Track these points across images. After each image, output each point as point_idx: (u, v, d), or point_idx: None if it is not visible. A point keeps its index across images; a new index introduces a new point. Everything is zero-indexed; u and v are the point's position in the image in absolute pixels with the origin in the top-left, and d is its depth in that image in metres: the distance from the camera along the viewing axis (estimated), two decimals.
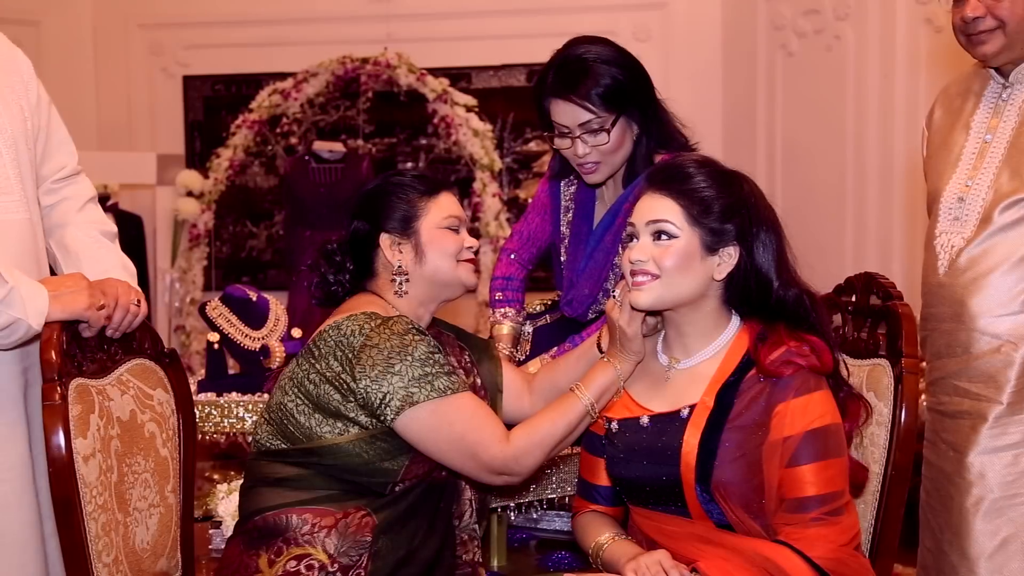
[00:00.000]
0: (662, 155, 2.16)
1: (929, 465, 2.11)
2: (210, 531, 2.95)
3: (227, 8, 6.27)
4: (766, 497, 1.63)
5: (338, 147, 5.52)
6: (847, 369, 1.77)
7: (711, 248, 1.69)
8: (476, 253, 1.96)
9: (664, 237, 1.68)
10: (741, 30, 5.72)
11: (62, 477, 1.69)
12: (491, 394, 1.98)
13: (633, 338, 1.78)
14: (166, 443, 1.97)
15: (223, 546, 1.93)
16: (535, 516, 2.98)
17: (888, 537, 1.80)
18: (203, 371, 3.33)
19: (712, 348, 1.74)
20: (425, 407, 1.72)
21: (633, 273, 1.70)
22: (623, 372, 1.80)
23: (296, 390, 1.79)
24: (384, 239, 1.88)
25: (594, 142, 2.12)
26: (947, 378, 2.06)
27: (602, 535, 1.79)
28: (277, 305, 3.24)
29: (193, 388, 2.84)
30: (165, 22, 6.42)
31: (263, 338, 3.12)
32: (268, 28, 6.21)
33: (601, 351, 1.88)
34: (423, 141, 6.27)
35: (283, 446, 1.80)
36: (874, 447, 1.83)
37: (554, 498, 2.47)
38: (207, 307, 3.16)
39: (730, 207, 1.69)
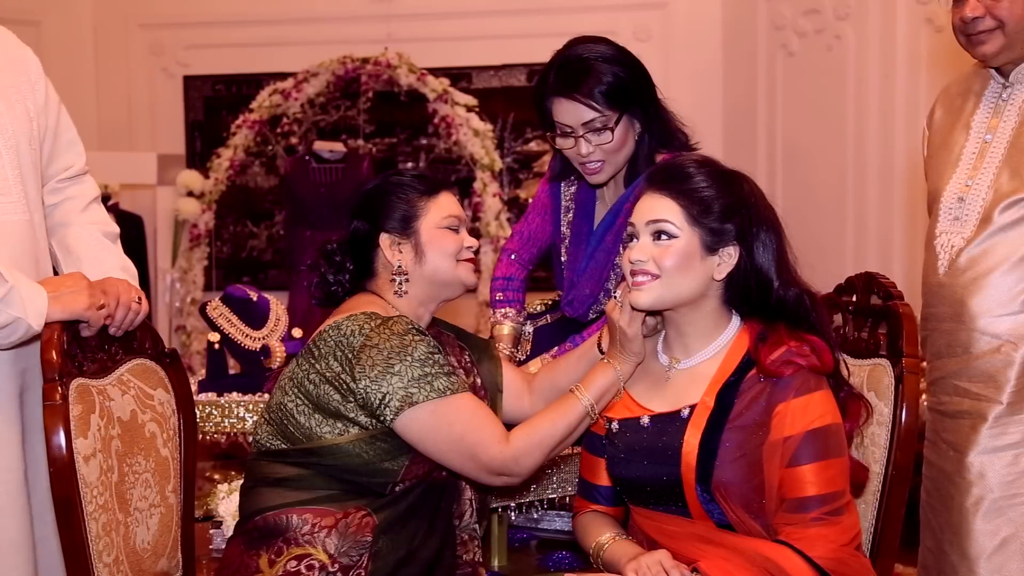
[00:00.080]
0: (663, 154, 2.16)
1: (930, 465, 2.11)
2: (211, 531, 2.96)
3: (227, 8, 6.27)
4: (767, 497, 1.63)
5: (338, 147, 5.52)
6: (847, 369, 1.77)
7: (711, 248, 1.69)
8: (476, 253, 1.96)
9: (664, 237, 1.68)
10: (741, 30, 5.72)
11: (63, 477, 1.69)
12: (491, 394, 1.98)
13: (633, 339, 1.78)
14: (167, 443, 1.97)
15: (224, 546, 1.93)
16: (536, 516, 2.98)
17: (889, 537, 1.80)
18: (204, 371, 3.33)
19: (712, 348, 1.74)
20: (424, 407, 1.72)
21: (633, 273, 1.70)
22: (623, 373, 1.80)
23: (296, 390, 1.79)
24: (384, 239, 1.88)
25: (598, 141, 2.12)
26: (947, 378, 2.06)
27: (603, 535, 1.79)
28: (278, 305, 3.24)
29: (194, 388, 2.84)
30: (165, 22, 6.43)
31: (264, 338, 3.13)
32: (268, 28, 6.21)
33: (602, 351, 1.88)
34: (423, 141, 6.27)
35: (283, 446, 1.80)
36: (875, 447, 1.83)
37: (555, 498, 2.47)
38: (208, 307, 3.17)
39: (730, 207, 1.69)
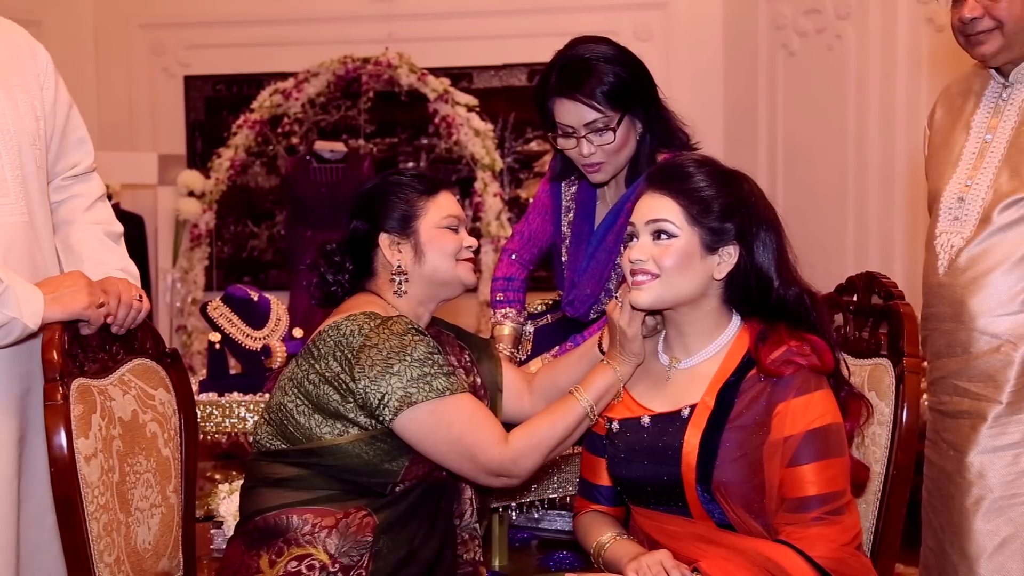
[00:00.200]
0: (664, 154, 2.16)
1: (930, 464, 2.10)
2: (211, 531, 2.96)
3: (228, 8, 6.27)
4: (767, 497, 1.63)
5: (339, 147, 5.52)
6: (848, 368, 1.77)
7: (711, 247, 1.69)
8: (476, 252, 1.96)
9: (664, 236, 1.68)
10: (742, 29, 5.71)
11: (64, 477, 1.69)
12: (491, 393, 1.98)
13: (633, 339, 1.78)
14: (168, 443, 1.97)
15: (224, 546, 1.93)
16: (536, 516, 2.98)
17: (890, 536, 1.80)
18: (204, 371, 3.33)
19: (713, 348, 1.74)
20: (423, 407, 1.72)
21: (633, 272, 1.70)
22: (622, 374, 1.80)
23: (296, 390, 1.79)
24: (383, 239, 1.88)
25: (599, 141, 2.12)
26: (947, 378, 2.06)
27: (604, 535, 1.79)
28: (278, 305, 3.25)
29: (195, 388, 2.84)
30: (166, 22, 6.42)
31: (264, 338, 3.13)
32: (269, 28, 6.21)
33: (602, 351, 1.88)
34: (424, 141, 6.27)
35: (283, 447, 1.80)
36: (876, 447, 1.83)
37: (555, 498, 2.47)
38: (208, 307, 3.17)
39: (730, 206, 1.69)
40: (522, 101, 5.90)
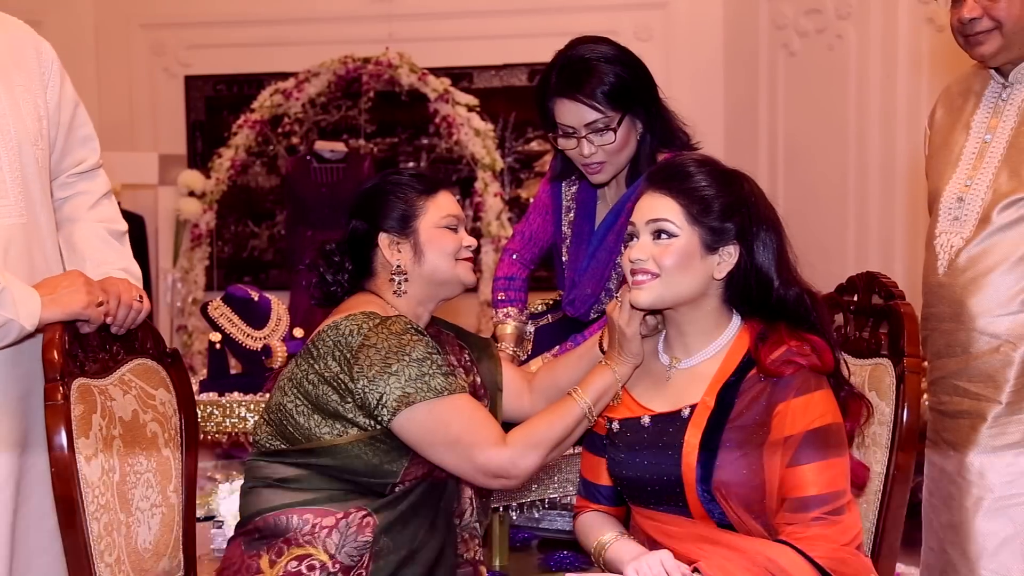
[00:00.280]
0: (665, 154, 2.16)
1: (931, 464, 2.10)
2: (212, 531, 2.96)
3: (229, 8, 6.27)
4: (767, 497, 1.63)
5: (340, 147, 5.53)
6: (848, 368, 1.77)
7: (711, 247, 1.69)
8: (476, 252, 1.96)
9: (664, 236, 1.68)
10: (743, 29, 5.71)
11: (64, 477, 1.69)
12: (491, 393, 1.98)
13: (631, 338, 1.77)
14: (168, 443, 1.97)
15: (225, 546, 1.93)
16: (537, 516, 2.98)
17: (890, 536, 1.79)
18: (205, 371, 3.34)
19: (713, 348, 1.74)
20: (421, 407, 1.71)
21: (633, 272, 1.70)
22: (621, 375, 1.80)
23: (295, 391, 1.79)
24: (383, 238, 1.88)
25: (600, 142, 2.12)
26: (947, 378, 2.06)
27: (604, 535, 1.79)
28: (279, 305, 3.25)
29: (195, 388, 2.84)
30: (167, 22, 6.43)
31: (265, 338, 3.13)
32: (270, 28, 6.22)
33: (603, 351, 1.88)
34: (425, 141, 6.27)
35: (282, 447, 1.80)
36: (876, 447, 1.83)
37: (556, 498, 2.47)
38: (209, 307, 3.17)
39: (730, 206, 1.69)
40: (522, 101, 5.90)
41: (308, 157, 5.48)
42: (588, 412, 1.78)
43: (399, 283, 1.87)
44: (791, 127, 5.40)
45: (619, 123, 2.11)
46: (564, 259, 2.36)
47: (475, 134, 5.54)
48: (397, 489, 1.78)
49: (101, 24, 6.43)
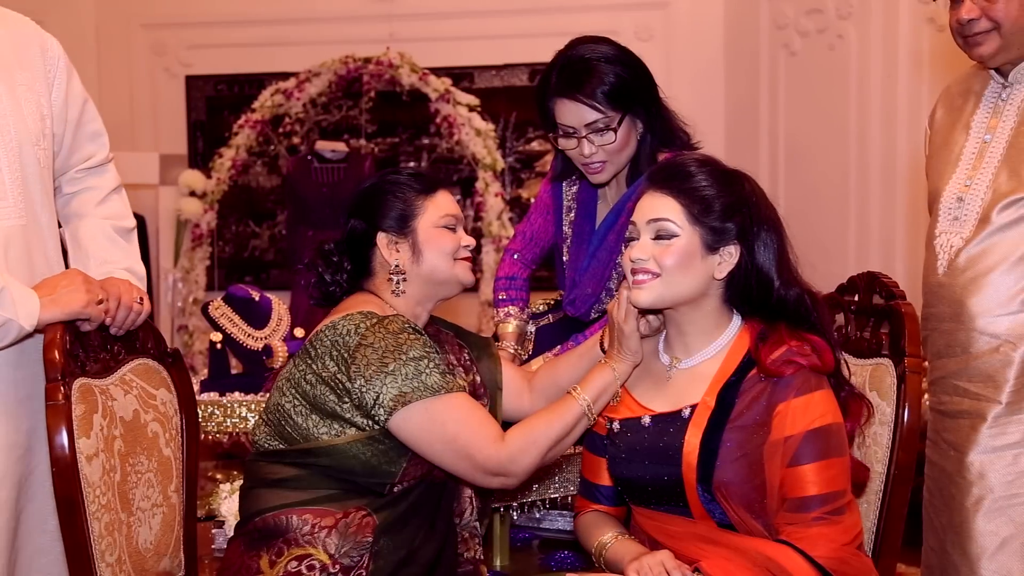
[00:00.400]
0: (665, 154, 2.16)
1: (931, 464, 2.10)
2: (213, 531, 2.96)
3: (230, 8, 6.27)
4: (768, 497, 1.63)
5: (340, 147, 5.53)
6: (848, 368, 1.77)
7: (712, 247, 1.69)
8: (477, 252, 1.96)
9: (665, 236, 1.68)
10: (743, 29, 5.71)
11: (65, 477, 1.69)
12: (491, 392, 1.98)
13: (630, 336, 1.77)
14: (169, 443, 1.97)
15: (225, 546, 1.93)
16: (537, 516, 2.98)
17: (891, 536, 1.80)
18: (206, 371, 3.34)
19: (713, 348, 1.74)
20: (418, 406, 1.71)
21: (634, 272, 1.71)
22: (620, 373, 1.80)
23: (293, 391, 1.79)
24: (381, 238, 1.88)
25: (600, 142, 2.13)
26: (947, 378, 2.05)
27: (605, 535, 1.79)
28: (280, 305, 3.25)
29: (196, 388, 2.85)
30: (168, 22, 6.43)
31: (266, 338, 3.13)
32: (270, 28, 6.22)
33: (604, 350, 1.88)
34: (425, 141, 6.27)
35: (281, 447, 1.80)
36: (877, 447, 1.83)
37: (556, 498, 2.47)
38: (210, 307, 3.17)
39: (731, 206, 1.69)
40: (523, 101, 5.90)
41: (309, 157, 5.48)
42: (587, 410, 1.78)
43: (397, 283, 1.87)
44: (792, 127, 5.39)
45: (619, 123, 2.11)
46: (565, 259, 2.36)
47: (476, 134, 5.53)
48: (396, 489, 1.78)
49: (102, 24, 6.44)
